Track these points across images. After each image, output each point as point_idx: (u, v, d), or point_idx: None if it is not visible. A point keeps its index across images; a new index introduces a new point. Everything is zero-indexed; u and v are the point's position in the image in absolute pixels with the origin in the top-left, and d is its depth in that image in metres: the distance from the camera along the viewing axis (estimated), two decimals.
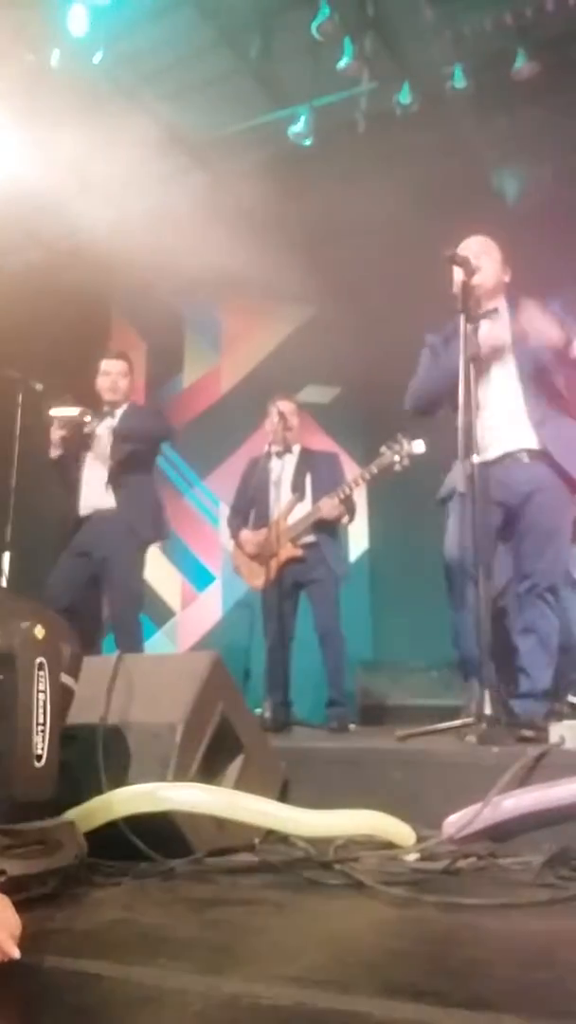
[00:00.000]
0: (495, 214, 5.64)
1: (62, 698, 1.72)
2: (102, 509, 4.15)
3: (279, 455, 4.52)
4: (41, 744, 1.61)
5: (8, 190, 5.68)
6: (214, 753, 2.07)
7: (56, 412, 4.16)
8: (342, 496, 4.21)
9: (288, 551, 4.27)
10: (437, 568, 5.04)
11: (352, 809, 1.94)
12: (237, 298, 7.26)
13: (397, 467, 3.92)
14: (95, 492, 4.20)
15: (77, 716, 1.85)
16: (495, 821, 1.96)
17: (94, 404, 4.38)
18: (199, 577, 7.13)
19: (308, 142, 5.58)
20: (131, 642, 3.97)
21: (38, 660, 1.64)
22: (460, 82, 5.31)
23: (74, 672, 1.82)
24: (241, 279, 6.47)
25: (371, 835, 1.93)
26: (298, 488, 4.38)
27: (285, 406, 4.56)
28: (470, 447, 2.83)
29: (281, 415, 4.49)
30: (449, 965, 1.24)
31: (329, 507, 4.20)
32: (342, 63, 5.16)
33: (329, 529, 4.33)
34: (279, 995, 1.06)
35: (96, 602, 6.00)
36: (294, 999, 1.05)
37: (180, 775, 1.92)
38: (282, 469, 4.48)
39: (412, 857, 1.86)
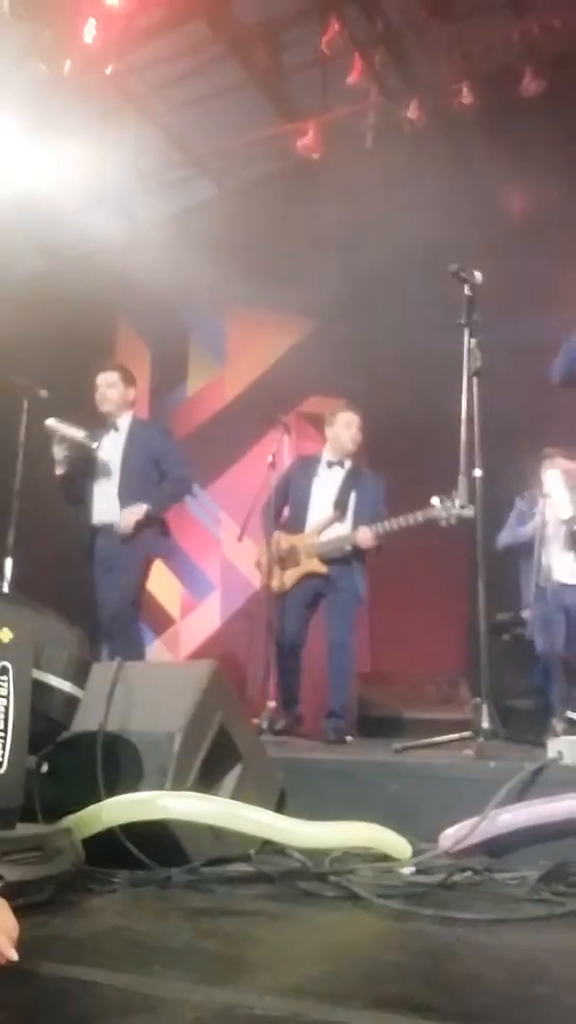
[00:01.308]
0: (500, 230, 5.68)
1: (42, 702, 1.69)
2: (112, 523, 4.19)
3: (330, 465, 4.48)
4: (0, 752, 1.59)
5: (17, 198, 5.71)
6: (212, 762, 2.07)
7: (55, 425, 4.15)
8: (381, 531, 4.16)
9: (313, 565, 4.27)
10: (434, 581, 5.07)
11: (348, 821, 1.94)
12: (242, 308, 7.29)
13: (443, 523, 3.89)
14: (105, 504, 4.24)
15: (77, 722, 1.86)
16: (491, 835, 1.96)
17: (95, 414, 4.41)
18: (199, 586, 7.13)
19: (316, 155, 5.62)
20: (128, 651, 3.98)
21: (0, 664, 1.62)
22: (467, 99, 5.34)
23: (77, 678, 1.81)
24: (246, 290, 6.50)
25: (367, 847, 1.93)
26: (341, 506, 4.33)
27: (349, 416, 4.52)
28: (472, 461, 2.86)
29: (346, 424, 4.47)
30: (444, 979, 1.24)
31: (365, 537, 4.17)
32: (351, 78, 5.19)
33: (360, 555, 4.30)
34: (274, 1006, 1.06)
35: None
36: (289, 1010, 1.05)
37: (178, 784, 1.92)
38: (329, 480, 4.45)
39: (408, 870, 1.86)
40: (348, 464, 4.51)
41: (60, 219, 6.35)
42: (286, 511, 4.57)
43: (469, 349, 2.97)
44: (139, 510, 4.09)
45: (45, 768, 1.95)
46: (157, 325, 7.50)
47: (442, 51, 5.33)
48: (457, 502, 3.82)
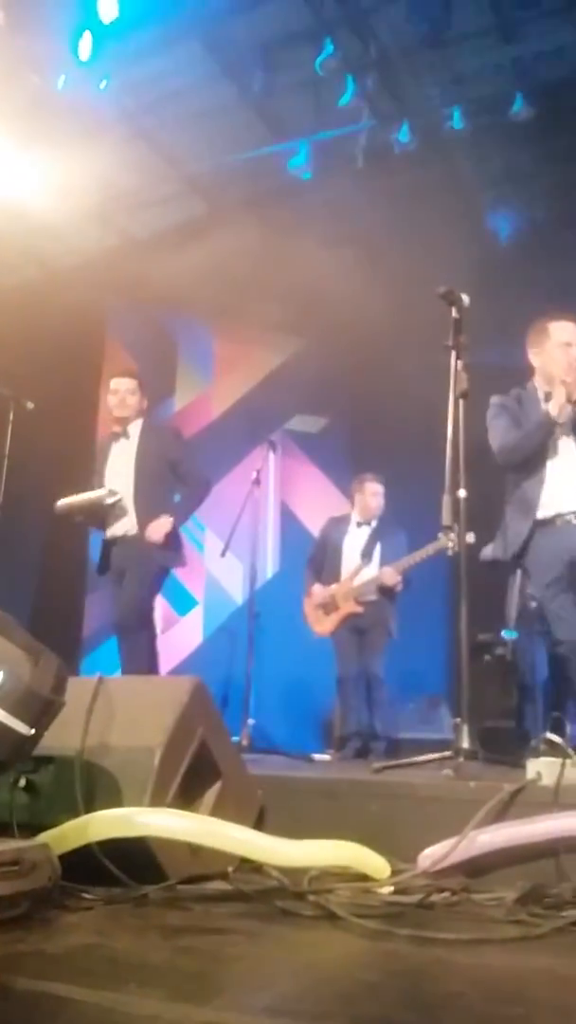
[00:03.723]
0: (488, 253, 5.75)
1: None
2: (124, 535, 4.24)
3: (359, 525, 5.15)
4: None
5: (8, 209, 5.73)
6: (192, 779, 2.06)
7: (68, 505, 4.18)
8: (401, 568, 4.82)
9: (350, 606, 4.95)
10: (418, 599, 5.14)
11: (327, 840, 1.94)
12: (230, 325, 7.33)
13: (449, 552, 4.26)
14: (118, 516, 4.27)
15: (55, 737, 1.84)
16: (470, 856, 1.96)
17: (86, 424, 4.44)
18: (181, 601, 7.11)
19: (307, 176, 5.68)
20: (134, 659, 4.08)
21: None
22: (458, 123, 5.42)
23: (22, 711, 1.67)
24: (235, 307, 6.53)
25: (346, 866, 1.92)
26: (367, 555, 5.01)
27: (373, 487, 5.16)
28: (457, 482, 2.90)
29: (371, 494, 5.13)
30: (421, 999, 1.24)
31: (389, 575, 4.84)
32: (343, 100, 5.27)
33: (389, 593, 4.92)
34: None
35: (78, 620, 5.95)
36: None
37: (157, 800, 1.91)
38: (358, 536, 5.12)
39: (386, 890, 1.86)
40: (375, 523, 5.14)
41: (50, 232, 6.38)
42: (324, 567, 5.20)
43: (456, 371, 2.99)
44: (166, 523, 4.18)
45: (23, 783, 1.95)
46: (145, 340, 7.53)
47: (433, 75, 5.40)
48: (468, 535, 4.18)
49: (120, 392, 4.40)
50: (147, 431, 4.43)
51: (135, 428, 4.41)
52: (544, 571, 3.42)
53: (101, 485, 4.32)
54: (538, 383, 3.57)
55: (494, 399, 3.61)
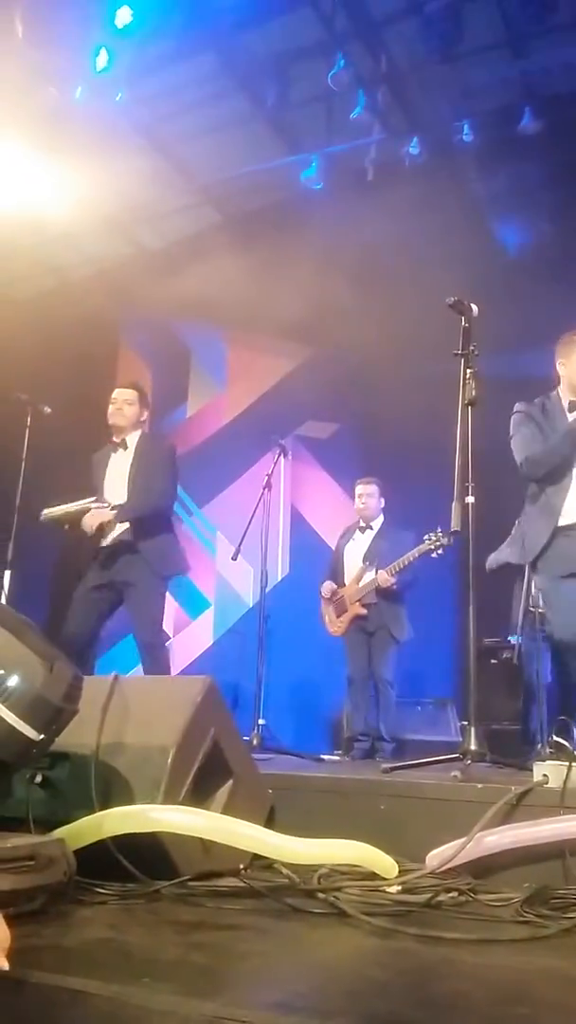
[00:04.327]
0: (496, 264, 5.78)
1: None
2: (121, 540, 4.17)
3: (362, 529, 5.30)
4: None
5: (25, 219, 5.79)
6: (204, 777, 2.08)
7: (52, 514, 4.15)
8: (393, 570, 4.95)
9: (356, 609, 5.10)
10: (426, 604, 5.18)
11: (337, 839, 1.96)
12: (243, 333, 7.38)
13: (434, 555, 4.71)
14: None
15: (71, 734, 1.87)
16: (477, 856, 1.98)
17: (101, 430, 4.45)
18: (193, 603, 7.15)
19: (318, 187, 5.73)
20: (157, 665, 4.10)
21: None
22: (468, 136, 5.46)
23: (32, 716, 1.67)
24: (247, 315, 6.58)
25: (355, 865, 1.94)
26: (368, 558, 5.15)
27: (362, 488, 5.29)
28: (465, 488, 2.92)
29: (358, 496, 5.28)
30: (428, 997, 1.26)
31: (383, 578, 4.97)
32: (355, 113, 5.32)
33: (392, 596, 5.02)
34: (260, 1020, 1.08)
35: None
36: None
37: (170, 797, 1.94)
38: (361, 540, 5.29)
39: (394, 889, 1.88)
40: (377, 524, 5.26)
41: (67, 241, 6.44)
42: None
43: (464, 379, 3.02)
44: (101, 514, 4.13)
45: (39, 779, 1.98)
46: (158, 347, 7.59)
47: (443, 89, 5.44)
48: (442, 535, 4.39)
49: (118, 401, 4.36)
50: (144, 443, 4.40)
51: (133, 440, 4.38)
52: (556, 567, 3.43)
53: (98, 495, 4.27)
54: (563, 392, 3.58)
55: (518, 406, 3.62)
